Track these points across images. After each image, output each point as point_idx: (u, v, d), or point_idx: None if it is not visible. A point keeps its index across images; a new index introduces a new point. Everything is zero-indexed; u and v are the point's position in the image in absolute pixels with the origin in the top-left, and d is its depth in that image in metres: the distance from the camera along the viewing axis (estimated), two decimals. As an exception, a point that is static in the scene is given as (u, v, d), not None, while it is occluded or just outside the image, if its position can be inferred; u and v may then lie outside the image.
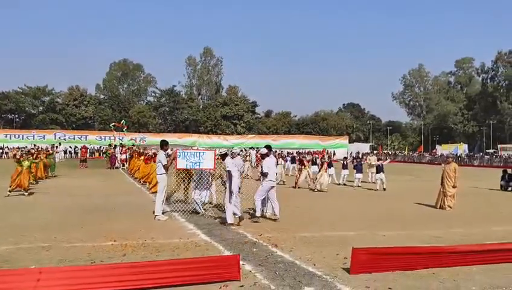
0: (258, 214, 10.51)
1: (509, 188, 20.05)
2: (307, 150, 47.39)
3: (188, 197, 12.17)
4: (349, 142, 74.02)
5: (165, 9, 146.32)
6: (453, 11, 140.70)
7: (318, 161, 22.62)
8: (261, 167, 11.03)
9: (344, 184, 21.54)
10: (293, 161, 28.60)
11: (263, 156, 11.31)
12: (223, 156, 10.51)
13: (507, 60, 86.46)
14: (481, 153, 64.90)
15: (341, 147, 67.04)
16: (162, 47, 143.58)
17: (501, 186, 20.59)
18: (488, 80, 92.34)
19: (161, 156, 10.94)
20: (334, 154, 52.67)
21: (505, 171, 21.29)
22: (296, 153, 36.60)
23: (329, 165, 22.49)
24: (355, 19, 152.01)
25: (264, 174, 10.64)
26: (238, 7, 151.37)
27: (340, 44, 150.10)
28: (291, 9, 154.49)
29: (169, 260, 5.96)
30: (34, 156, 19.14)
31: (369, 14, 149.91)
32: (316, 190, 18.23)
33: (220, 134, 77.26)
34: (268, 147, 11.82)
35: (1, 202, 13.05)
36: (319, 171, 19.29)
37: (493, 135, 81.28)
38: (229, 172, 10.04)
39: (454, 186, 13.42)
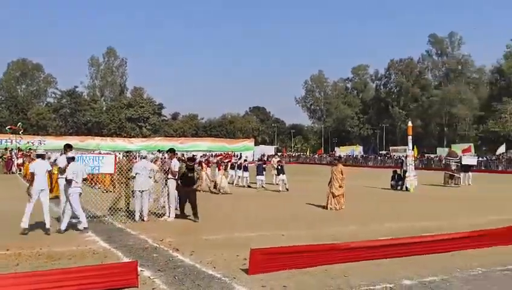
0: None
1: (399, 187, 21.84)
2: (214, 153, 47.62)
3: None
4: (255, 145, 75.66)
5: (66, 8, 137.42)
6: (350, 20, 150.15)
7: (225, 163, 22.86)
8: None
9: (249, 186, 21.99)
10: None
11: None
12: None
13: (398, 67, 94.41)
14: (375, 155, 70.01)
15: (247, 150, 68.25)
16: (63, 46, 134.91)
17: (391, 185, 22.36)
18: (381, 86, 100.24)
19: (60, 159, 10.32)
20: (241, 157, 53.49)
21: (394, 172, 23.08)
22: (201, 156, 36.68)
23: (239, 167, 22.83)
24: (258, 25, 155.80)
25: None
26: (143, 7, 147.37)
27: (245, 48, 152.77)
28: (196, 10, 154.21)
29: (64, 269, 5.67)
30: None
31: (271, 21, 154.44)
32: (220, 193, 18.40)
33: (125, 137, 74.62)
34: (171, 150, 11.77)
35: None
36: (218, 174, 19.53)
37: (386, 137, 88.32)
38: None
39: (341, 187, 13.79)
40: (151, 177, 11.27)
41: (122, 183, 11.37)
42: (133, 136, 76.12)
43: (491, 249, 8.14)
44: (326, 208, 13.65)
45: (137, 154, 13.03)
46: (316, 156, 73.93)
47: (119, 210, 11.23)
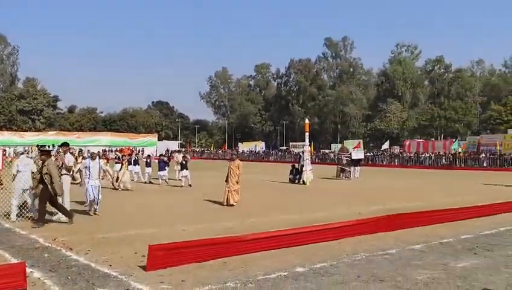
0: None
1: (296, 181, 22.91)
2: (114, 148, 45.74)
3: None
4: (158, 140, 74.10)
5: None
6: (256, 19, 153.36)
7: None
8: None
9: (150, 182, 21.54)
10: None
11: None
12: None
13: (298, 67, 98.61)
14: (276, 150, 72.44)
15: (150, 145, 66.59)
16: None
17: (290, 179, 23.36)
18: (282, 85, 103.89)
19: None
20: (143, 151, 52.06)
21: (293, 166, 24.20)
22: (102, 151, 35.13)
23: (135, 162, 22.24)
24: (161, 18, 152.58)
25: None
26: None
27: (148, 41, 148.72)
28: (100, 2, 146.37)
29: None
30: None
31: (178, 14, 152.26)
32: (120, 189, 17.81)
33: (16, 130, 68.49)
34: (65, 144, 11.19)
35: None
36: (120, 169, 18.88)
37: (286, 133, 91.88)
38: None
39: (237, 182, 13.80)
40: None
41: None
42: (25, 130, 70.18)
43: (373, 235, 8.93)
44: (224, 203, 13.59)
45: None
46: (220, 151, 74.47)
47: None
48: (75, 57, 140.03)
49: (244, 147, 76.51)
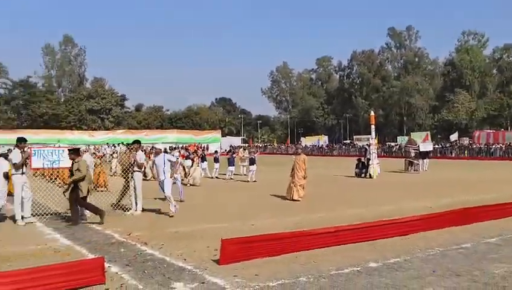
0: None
1: (362, 175, 22.31)
2: (181, 145, 47.00)
3: None
4: (222, 136, 75.32)
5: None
6: (314, 10, 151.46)
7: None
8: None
9: (216, 177, 21.85)
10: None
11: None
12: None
13: (360, 59, 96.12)
14: (339, 144, 71.19)
15: (214, 141, 67.82)
16: (14, 34, 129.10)
17: (356, 173, 22.79)
18: (345, 77, 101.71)
19: (14, 154, 9.77)
20: (208, 148, 53.17)
21: (359, 160, 23.63)
22: (169, 148, 36.14)
23: (203, 159, 22.67)
24: (222, 16, 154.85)
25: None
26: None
27: (210, 38, 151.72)
28: (164, 3, 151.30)
29: (23, 269, 5.34)
30: None
31: (236, 11, 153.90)
32: (188, 184, 18.16)
33: (86, 129, 72.40)
34: (137, 142, 11.47)
35: None
36: (192, 165, 19.27)
37: (349, 127, 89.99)
38: None
39: (304, 177, 13.55)
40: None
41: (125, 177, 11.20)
42: (95, 129, 73.97)
43: (447, 229, 8.61)
44: (289, 198, 13.39)
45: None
46: (283, 146, 74.37)
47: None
48: (140, 57, 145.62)
49: (306, 141, 75.81)
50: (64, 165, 10.12)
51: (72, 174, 9.56)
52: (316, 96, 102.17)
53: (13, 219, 9.67)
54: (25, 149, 9.88)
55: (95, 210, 9.67)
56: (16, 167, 9.54)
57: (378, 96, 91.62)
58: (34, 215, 9.88)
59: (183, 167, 19.57)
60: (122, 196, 11.25)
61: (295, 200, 13.17)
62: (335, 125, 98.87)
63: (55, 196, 10.80)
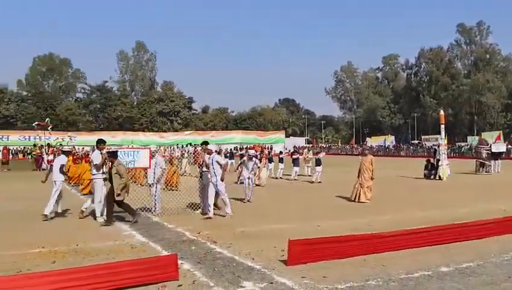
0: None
1: (432, 176, 21.45)
2: (246, 145, 47.67)
3: None
4: (286, 137, 75.45)
5: (94, 1, 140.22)
6: (379, 9, 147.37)
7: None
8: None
9: (281, 177, 21.95)
10: (231, 156, 28.75)
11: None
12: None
13: (428, 56, 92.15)
14: (407, 144, 68.71)
15: (278, 142, 68.11)
16: (91, 41, 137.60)
17: (424, 174, 21.94)
18: (412, 76, 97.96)
19: (95, 155, 10.47)
20: (272, 149, 53.44)
21: (428, 161, 22.74)
22: (234, 148, 36.89)
23: (269, 160, 22.91)
24: (287, 17, 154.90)
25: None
26: (172, 1, 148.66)
27: (275, 40, 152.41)
28: (227, 4, 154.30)
29: (103, 264, 5.73)
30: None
31: (301, 12, 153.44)
32: (254, 185, 18.37)
33: (156, 131, 75.58)
34: (205, 142, 11.81)
35: None
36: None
37: (417, 126, 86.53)
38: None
39: (371, 178, 13.30)
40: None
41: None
42: (164, 131, 76.97)
43: None
44: (353, 200, 13.17)
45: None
46: (348, 147, 73.09)
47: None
48: (207, 60, 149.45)
49: (372, 141, 74.01)
50: (139, 166, 10.67)
51: (110, 177, 9.88)
52: (382, 95, 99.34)
53: (94, 216, 10.32)
54: (104, 150, 10.56)
55: (129, 210, 9.96)
56: (97, 167, 10.19)
57: (447, 95, 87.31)
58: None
59: (259, 169, 19.73)
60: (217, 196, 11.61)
61: (362, 202, 12.93)
62: (402, 125, 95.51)
63: (131, 195, 11.40)
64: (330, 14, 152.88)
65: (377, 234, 7.35)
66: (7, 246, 7.65)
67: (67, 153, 11.37)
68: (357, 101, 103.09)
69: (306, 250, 6.26)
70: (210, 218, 10.27)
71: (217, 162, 10.59)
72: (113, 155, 10.00)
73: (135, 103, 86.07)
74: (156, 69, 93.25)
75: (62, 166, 10.69)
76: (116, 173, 9.70)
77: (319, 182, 19.45)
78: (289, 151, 25.81)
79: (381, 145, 67.58)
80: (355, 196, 13.23)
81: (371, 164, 13.48)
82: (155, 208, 11.10)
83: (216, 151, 11.86)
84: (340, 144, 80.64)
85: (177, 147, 43.35)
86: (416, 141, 73.95)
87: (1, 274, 5.74)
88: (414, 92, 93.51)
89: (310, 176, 21.36)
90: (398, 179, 21.80)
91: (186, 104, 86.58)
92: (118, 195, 9.60)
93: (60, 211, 11.07)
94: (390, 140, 72.95)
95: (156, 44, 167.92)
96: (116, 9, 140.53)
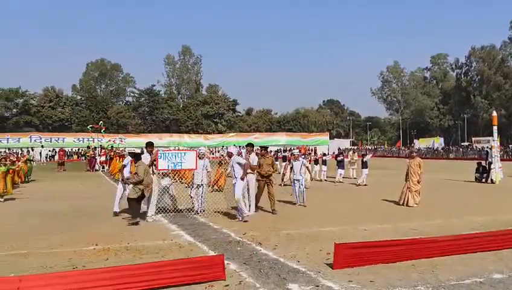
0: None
1: (483, 180, 20.60)
2: (289, 147, 47.60)
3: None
4: (330, 139, 74.67)
5: (142, 8, 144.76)
6: (426, 8, 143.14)
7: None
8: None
9: (325, 180, 21.77)
10: (276, 157, 28.82)
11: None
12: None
13: (479, 55, 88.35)
14: (456, 146, 66.23)
15: (322, 144, 67.53)
16: (140, 46, 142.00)
17: (476, 178, 21.12)
18: (462, 75, 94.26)
19: (144, 157, 10.85)
20: (316, 151, 53.06)
21: (479, 164, 21.87)
22: (277, 150, 36.90)
23: (315, 161, 22.77)
24: (333, 17, 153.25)
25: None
26: (217, 5, 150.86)
27: (319, 41, 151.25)
28: (270, 6, 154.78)
29: (154, 263, 5.92)
30: (12, 162, 18.75)
31: (346, 11, 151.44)
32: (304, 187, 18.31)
33: (201, 133, 76.90)
34: (250, 144, 11.95)
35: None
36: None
37: (467, 128, 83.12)
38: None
39: (419, 182, 12.95)
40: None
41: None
42: (209, 133, 78.16)
43: None
44: (401, 204, 12.86)
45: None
46: (394, 149, 71.36)
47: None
48: (249, 62, 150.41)
49: (420, 143, 71.81)
50: (186, 167, 10.91)
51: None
52: (430, 95, 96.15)
53: (144, 215, 10.65)
54: (153, 152, 10.97)
55: (135, 214, 10.10)
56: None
57: (500, 95, 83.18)
58: (160, 213, 10.85)
59: (308, 169, 19.65)
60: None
61: (410, 206, 12.61)
62: (451, 126, 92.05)
63: (179, 194, 11.72)
64: (375, 13, 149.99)
65: (426, 238, 7.17)
66: (64, 243, 8.06)
67: (131, 155, 11.82)
68: (404, 101, 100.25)
69: (353, 254, 6.20)
70: (246, 218, 10.37)
71: (238, 163, 10.65)
72: (134, 156, 10.51)
73: (181, 106, 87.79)
74: (201, 73, 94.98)
75: (123, 166, 11.37)
76: (135, 173, 10.13)
77: (365, 184, 19.13)
78: (333, 153, 25.47)
79: (430, 148, 65.45)
80: (404, 200, 12.91)
81: (419, 167, 13.13)
82: (201, 209, 11.31)
83: (238, 153, 12.12)
84: (386, 146, 78.77)
85: (223, 149, 43.91)
86: (466, 143, 71.14)
87: (59, 270, 6.08)
88: (464, 93, 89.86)
89: (355, 178, 21.03)
90: (448, 182, 21.06)
91: (230, 106, 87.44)
92: (134, 193, 9.96)
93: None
94: (439, 142, 70.52)
95: (201, 47, 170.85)
96: (163, 16, 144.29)
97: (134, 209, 10.13)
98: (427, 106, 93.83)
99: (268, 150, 14.91)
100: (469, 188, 18.39)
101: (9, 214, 11.93)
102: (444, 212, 11.60)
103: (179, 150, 13.15)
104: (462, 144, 72.01)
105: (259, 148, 12.75)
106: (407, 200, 12.79)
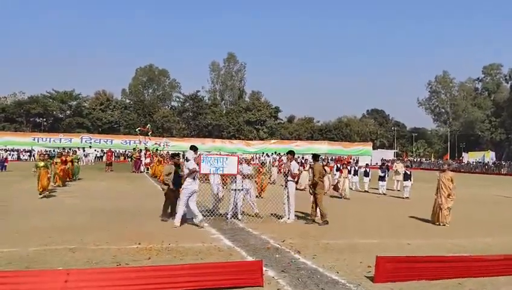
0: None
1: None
2: (330, 157, 47.06)
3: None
4: (373, 149, 73.26)
5: (189, 16, 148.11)
6: (479, 16, 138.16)
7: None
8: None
9: (366, 191, 21.34)
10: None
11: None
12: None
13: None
14: (509, 161, 63.22)
15: (365, 154, 66.35)
16: (186, 53, 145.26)
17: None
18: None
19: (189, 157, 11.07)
20: (358, 161, 52.15)
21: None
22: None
23: (355, 172, 22.36)
24: (378, 24, 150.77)
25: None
26: (261, 13, 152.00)
27: (364, 49, 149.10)
28: (315, 14, 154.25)
29: (194, 264, 6.02)
30: (61, 160, 19.61)
31: (393, 19, 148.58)
32: (343, 197, 18.08)
33: (243, 139, 77.45)
34: (291, 152, 11.91)
35: (30, 205, 13.40)
36: (340, 177, 19.18)
37: (522, 142, 79.20)
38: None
39: (450, 197, 11.73)
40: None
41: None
42: (251, 139, 78.62)
43: None
44: (433, 222, 11.79)
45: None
46: (441, 161, 69.03)
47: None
48: (293, 69, 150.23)
49: (469, 157, 69.20)
50: (227, 172, 11.00)
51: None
52: (481, 107, 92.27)
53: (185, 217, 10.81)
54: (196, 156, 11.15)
55: (165, 211, 11.16)
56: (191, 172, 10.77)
57: (558, 107, 78.81)
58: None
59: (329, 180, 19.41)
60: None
61: (438, 224, 11.55)
62: (503, 140, 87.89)
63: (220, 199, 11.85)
64: (423, 22, 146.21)
65: (474, 256, 6.87)
66: (109, 240, 8.34)
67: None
68: (453, 113, 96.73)
69: (395, 268, 6.01)
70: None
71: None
72: (174, 157, 11.82)
73: (224, 112, 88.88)
74: (244, 80, 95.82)
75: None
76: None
77: (407, 197, 18.59)
78: (377, 164, 24.96)
79: (480, 162, 62.85)
80: (435, 218, 11.81)
81: (451, 181, 11.88)
82: (236, 214, 11.37)
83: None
84: (433, 159, 76.28)
85: (266, 156, 44.03)
86: (520, 158, 67.84)
87: (103, 266, 6.29)
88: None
89: (398, 191, 20.48)
90: (499, 198, 20.09)
91: (272, 113, 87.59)
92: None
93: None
94: (489, 156, 67.68)
95: (245, 54, 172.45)
96: (209, 23, 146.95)
97: (165, 207, 11.18)
98: (477, 118, 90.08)
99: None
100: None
101: (60, 210, 12.42)
102: (494, 230, 11.09)
103: (221, 155, 13.28)
104: (515, 159, 68.76)
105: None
106: (438, 217, 11.70)
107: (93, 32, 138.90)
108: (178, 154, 12.42)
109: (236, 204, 11.43)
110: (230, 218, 11.21)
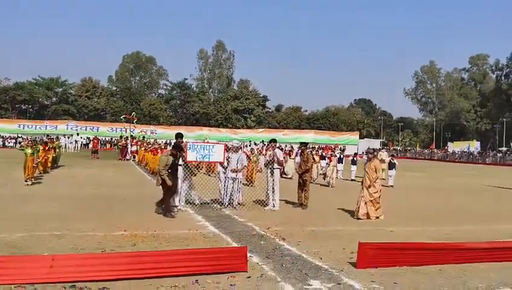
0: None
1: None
2: (317, 145, 47.26)
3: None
4: (360, 138, 73.65)
5: (178, 2, 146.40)
6: (465, 7, 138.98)
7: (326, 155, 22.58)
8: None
9: (353, 180, 21.52)
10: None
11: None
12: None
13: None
14: (494, 151, 64.21)
15: (351, 143, 66.70)
16: (174, 40, 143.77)
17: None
18: (503, 77, 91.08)
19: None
20: (345, 149, 52.48)
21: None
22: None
23: (340, 160, 22.51)
24: (366, 15, 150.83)
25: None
26: (252, 1, 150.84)
27: (351, 39, 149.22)
28: (304, 4, 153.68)
29: (178, 250, 6.07)
30: (43, 147, 19.39)
31: (381, 9, 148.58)
32: (331, 186, 18.25)
33: (230, 127, 77.32)
34: (273, 140, 12.01)
35: (16, 192, 13.28)
36: (328, 165, 19.32)
37: (506, 132, 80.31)
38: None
39: (374, 190, 10.53)
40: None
41: None
42: (238, 127, 78.54)
43: None
44: (355, 216, 10.55)
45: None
46: (427, 151, 69.85)
47: None
48: (281, 59, 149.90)
49: (454, 146, 70.02)
50: (213, 160, 11.02)
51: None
52: (467, 98, 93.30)
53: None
54: (182, 143, 11.11)
55: (167, 205, 10.24)
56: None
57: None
58: (187, 204, 11.04)
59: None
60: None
61: (367, 219, 10.34)
62: (489, 130, 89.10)
63: (207, 185, 11.88)
64: (410, 12, 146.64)
65: (455, 244, 7.00)
66: (95, 227, 8.34)
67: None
68: (439, 103, 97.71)
69: (377, 254, 6.11)
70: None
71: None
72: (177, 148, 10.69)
73: (212, 100, 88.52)
74: (233, 68, 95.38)
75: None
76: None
77: (391, 185, 18.82)
78: (363, 153, 25.13)
79: (465, 151, 63.69)
80: (357, 212, 10.57)
81: (375, 171, 10.69)
82: (236, 202, 11.41)
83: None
84: (418, 148, 77.10)
85: (254, 144, 44.05)
86: (504, 148, 68.81)
87: (89, 252, 6.30)
88: (504, 95, 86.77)
89: (383, 179, 20.70)
90: (483, 187, 20.43)
91: (260, 102, 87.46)
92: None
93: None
94: (474, 146, 68.60)
95: (233, 42, 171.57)
96: (198, 10, 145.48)
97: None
98: (463, 108, 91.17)
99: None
100: (505, 195, 17.76)
101: (45, 197, 12.31)
102: (479, 218, 11.35)
103: (207, 142, 13.28)
104: (500, 149, 69.75)
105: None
106: (358, 211, 10.48)
107: (80, 18, 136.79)
108: (180, 147, 10.94)
109: (231, 192, 11.47)
110: (227, 205, 11.24)
